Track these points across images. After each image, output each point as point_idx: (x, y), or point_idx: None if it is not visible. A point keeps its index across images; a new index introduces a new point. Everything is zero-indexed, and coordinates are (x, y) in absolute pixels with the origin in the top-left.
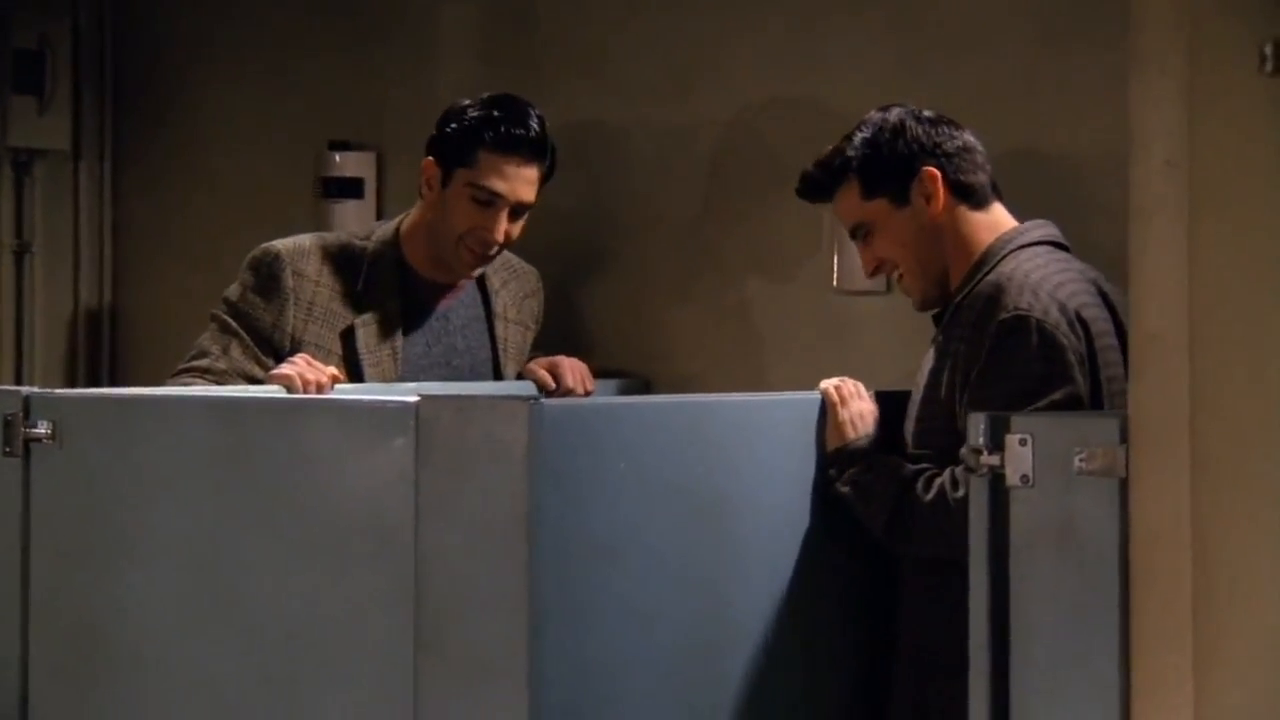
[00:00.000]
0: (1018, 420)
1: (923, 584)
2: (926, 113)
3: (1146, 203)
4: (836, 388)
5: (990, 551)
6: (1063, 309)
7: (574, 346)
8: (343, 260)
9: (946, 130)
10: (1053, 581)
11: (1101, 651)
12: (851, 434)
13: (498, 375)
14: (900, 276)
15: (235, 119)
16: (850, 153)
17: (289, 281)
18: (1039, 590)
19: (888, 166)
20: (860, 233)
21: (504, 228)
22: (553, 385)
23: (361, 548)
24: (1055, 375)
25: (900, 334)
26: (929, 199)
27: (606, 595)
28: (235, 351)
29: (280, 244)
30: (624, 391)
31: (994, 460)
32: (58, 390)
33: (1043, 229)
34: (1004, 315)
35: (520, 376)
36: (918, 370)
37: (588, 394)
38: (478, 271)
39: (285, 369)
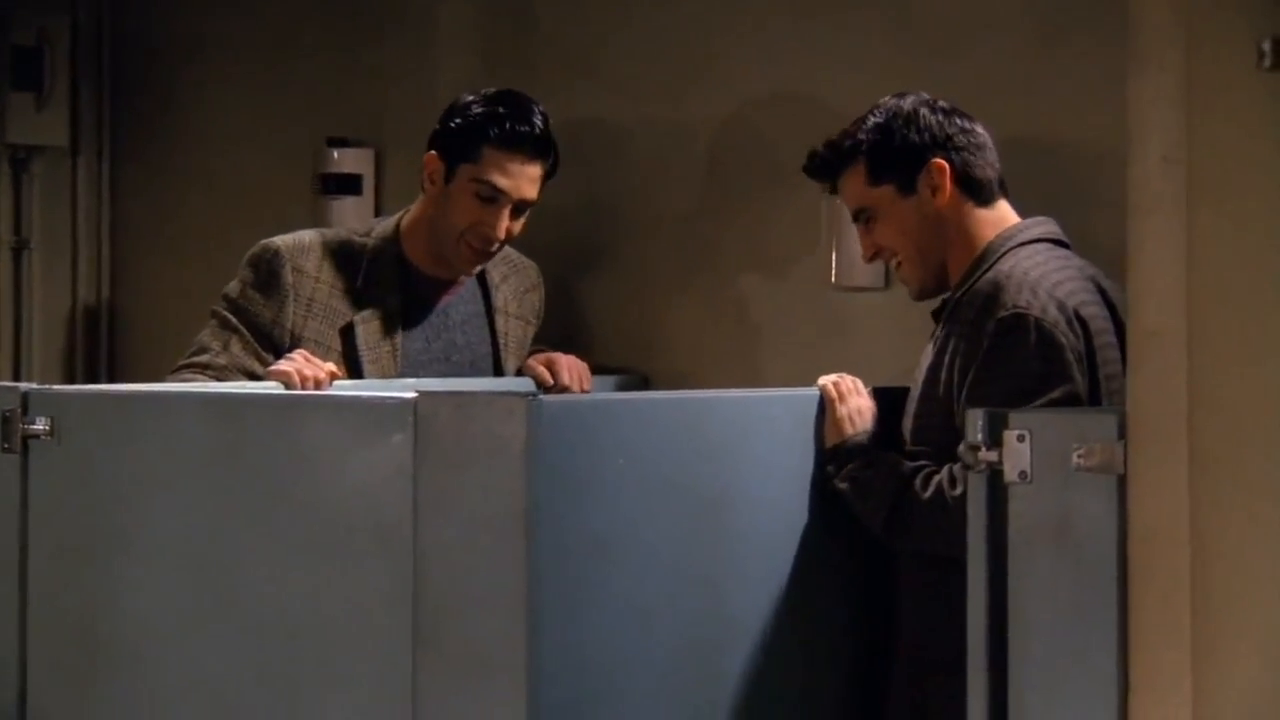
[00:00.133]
0: (1016, 416)
1: (921, 580)
2: (942, 103)
3: (1145, 199)
4: (834, 384)
5: (988, 548)
6: (1061, 307)
7: (572, 343)
8: (343, 256)
9: (960, 123)
10: (1051, 578)
11: (1100, 647)
12: (850, 430)
13: (498, 370)
14: (898, 264)
15: (234, 115)
16: (861, 136)
17: (289, 277)
18: (1037, 586)
19: (897, 154)
20: (862, 217)
21: (505, 224)
22: (550, 381)
23: (360, 544)
24: (1054, 374)
25: (898, 330)
26: (935, 191)
27: (605, 591)
28: (235, 347)
29: (280, 240)
30: (622, 388)
31: (992, 457)
32: (56, 386)
33: (1043, 226)
34: (1002, 313)
35: (520, 372)
36: (916, 366)
37: (584, 392)
38: (477, 268)
39: (283, 365)
